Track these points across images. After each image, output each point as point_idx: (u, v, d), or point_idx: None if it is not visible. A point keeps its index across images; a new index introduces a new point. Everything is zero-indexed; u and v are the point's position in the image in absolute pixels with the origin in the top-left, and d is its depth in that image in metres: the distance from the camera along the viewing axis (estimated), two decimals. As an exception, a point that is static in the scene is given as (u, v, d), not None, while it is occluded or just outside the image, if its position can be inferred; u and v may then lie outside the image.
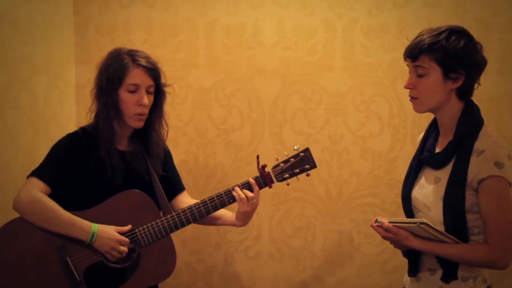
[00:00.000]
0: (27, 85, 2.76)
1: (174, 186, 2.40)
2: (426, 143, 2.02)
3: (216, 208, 2.19)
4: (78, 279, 2.11)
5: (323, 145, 2.96)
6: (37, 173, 2.16)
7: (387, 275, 2.96)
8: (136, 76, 2.15)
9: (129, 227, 2.15)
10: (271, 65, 2.97)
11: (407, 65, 1.95)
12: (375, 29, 2.85)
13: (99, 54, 2.29)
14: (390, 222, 1.89)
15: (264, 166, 2.20)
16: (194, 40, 3.05)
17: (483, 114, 1.94)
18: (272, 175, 2.20)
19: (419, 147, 2.05)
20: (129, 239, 2.14)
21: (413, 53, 1.89)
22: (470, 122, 1.88)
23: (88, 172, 2.18)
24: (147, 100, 2.17)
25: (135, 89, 2.15)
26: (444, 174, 1.89)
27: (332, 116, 2.94)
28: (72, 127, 2.90)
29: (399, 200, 2.84)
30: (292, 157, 2.21)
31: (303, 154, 2.21)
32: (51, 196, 2.13)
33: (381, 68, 2.86)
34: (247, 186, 2.19)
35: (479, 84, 1.93)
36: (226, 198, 2.19)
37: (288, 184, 2.25)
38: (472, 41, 1.88)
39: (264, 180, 2.20)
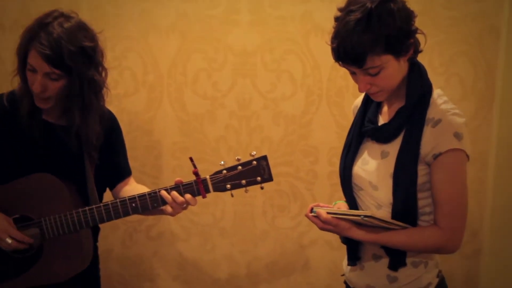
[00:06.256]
0: None
1: (116, 172, 2.17)
2: (366, 113, 1.81)
3: (136, 210, 1.91)
4: None
5: (230, 110, 2.76)
6: None
7: (304, 249, 2.84)
8: (32, 58, 1.86)
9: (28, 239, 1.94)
10: (167, 21, 2.69)
11: (347, 68, 1.67)
12: (285, -23, 2.63)
13: None
14: (328, 213, 1.71)
15: (196, 172, 1.88)
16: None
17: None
18: (209, 183, 1.89)
19: (358, 117, 1.84)
20: (33, 228, 1.96)
21: (359, 61, 1.60)
22: (422, 87, 1.68)
23: (3, 142, 1.97)
24: (38, 86, 1.87)
25: (33, 70, 1.88)
26: (393, 147, 1.71)
27: (240, 77, 2.73)
28: None
29: (316, 168, 2.73)
30: (241, 164, 1.89)
31: (255, 162, 1.88)
32: None
33: (292, 22, 2.65)
34: (176, 189, 1.90)
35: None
36: (149, 201, 1.90)
37: (232, 196, 1.93)
38: (395, 3, 1.59)
39: (197, 187, 1.89)
